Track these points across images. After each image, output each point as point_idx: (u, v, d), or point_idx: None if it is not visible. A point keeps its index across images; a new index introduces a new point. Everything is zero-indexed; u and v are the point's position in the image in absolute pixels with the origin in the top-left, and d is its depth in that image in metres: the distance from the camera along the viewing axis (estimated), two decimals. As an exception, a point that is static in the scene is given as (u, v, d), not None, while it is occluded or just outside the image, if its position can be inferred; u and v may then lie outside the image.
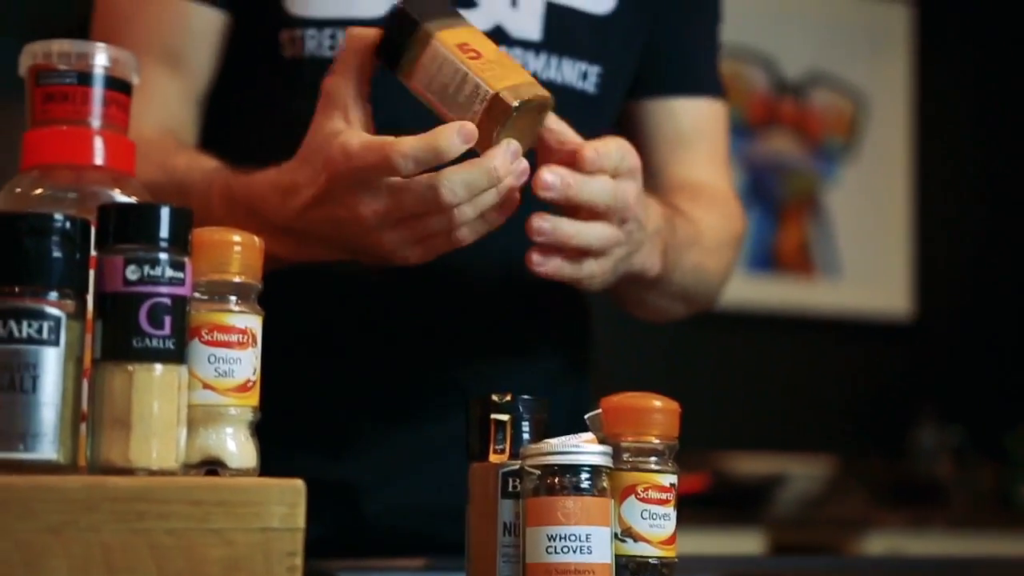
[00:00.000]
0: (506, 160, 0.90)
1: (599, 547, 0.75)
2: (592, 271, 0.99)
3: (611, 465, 0.77)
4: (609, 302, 1.19)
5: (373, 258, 0.97)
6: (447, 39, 0.89)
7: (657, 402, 0.80)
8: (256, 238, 0.77)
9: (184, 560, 0.67)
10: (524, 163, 0.92)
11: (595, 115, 1.20)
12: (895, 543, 2.95)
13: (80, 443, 0.71)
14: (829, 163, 3.63)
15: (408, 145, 0.89)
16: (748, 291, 3.45)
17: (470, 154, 0.91)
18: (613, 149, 0.97)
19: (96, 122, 0.84)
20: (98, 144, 0.83)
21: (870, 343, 3.64)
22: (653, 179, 1.24)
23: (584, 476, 0.76)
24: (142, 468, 0.69)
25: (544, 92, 0.92)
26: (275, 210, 0.96)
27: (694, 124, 1.25)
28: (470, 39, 0.90)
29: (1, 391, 0.67)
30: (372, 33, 0.94)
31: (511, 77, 0.90)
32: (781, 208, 3.58)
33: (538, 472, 0.76)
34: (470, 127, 0.89)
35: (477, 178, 0.90)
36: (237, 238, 0.76)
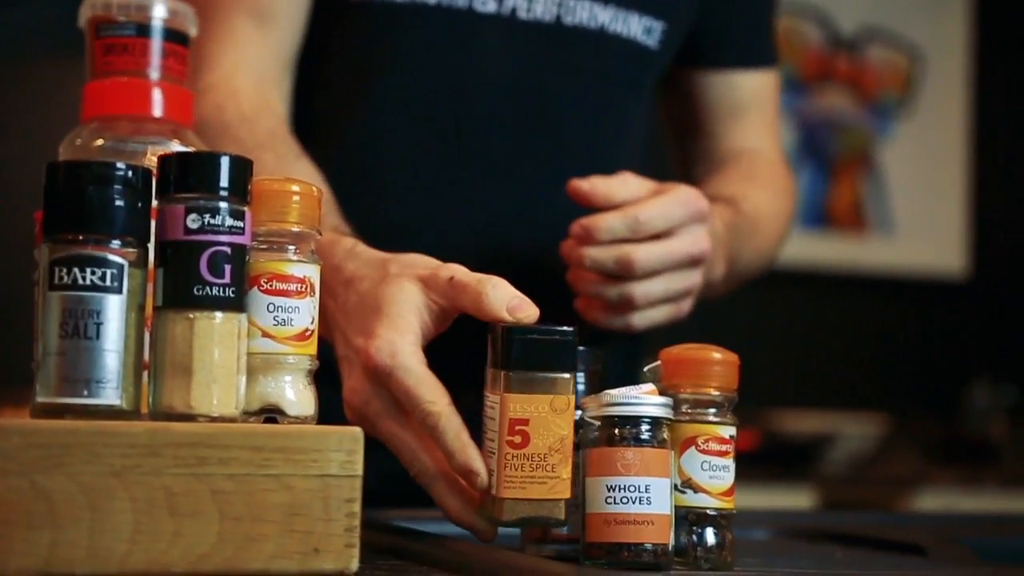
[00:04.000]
0: None
1: (658, 498, 0.75)
2: (681, 311, 1.03)
3: (672, 417, 0.77)
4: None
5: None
6: (512, 406, 0.76)
7: (716, 354, 0.80)
8: (315, 188, 0.77)
9: (245, 505, 0.68)
10: None
11: (651, 70, 1.20)
12: (946, 502, 2.94)
13: (142, 391, 0.72)
14: (884, 119, 3.59)
15: (443, 425, 0.79)
16: (800, 249, 3.42)
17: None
18: (657, 213, 0.97)
19: (155, 74, 0.85)
20: (157, 95, 0.84)
21: (923, 301, 3.61)
22: (708, 144, 1.26)
23: (644, 428, 0.76)
24: (203, 414, 0.70)
25: (555, 516, 0.78)
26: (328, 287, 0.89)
27: (752, 94, 1.27)
28: (535, 415, 0.76)
29: (65, 337, 0.68)
30: (493, 308, 0.80)
31: (530, 488, 0.77)
32: (834, 165, 3.55)
33: (599, 423, 0.76)
34: (478, 480, 0.78)
35: None
36: (296, 188, 0.76)
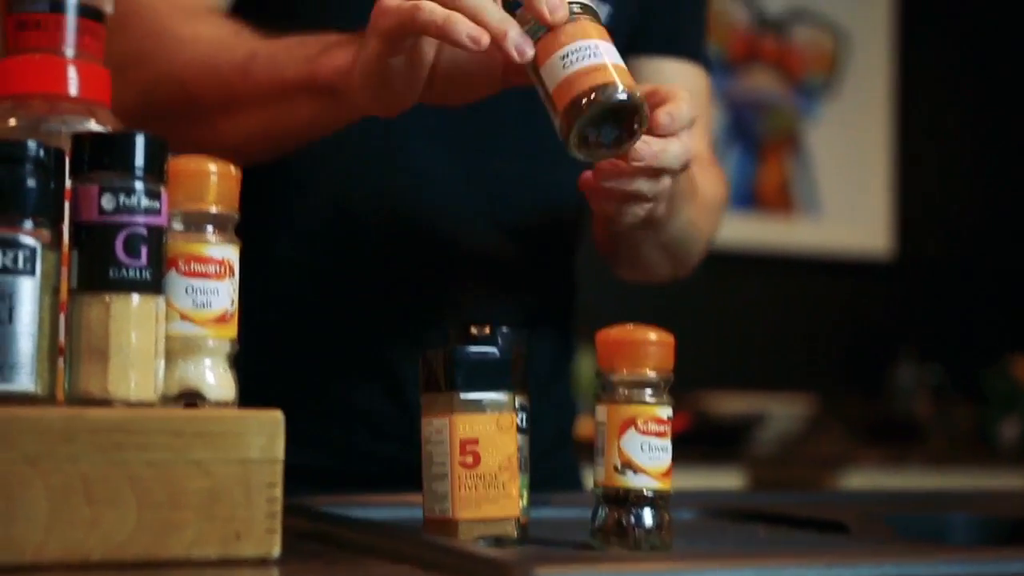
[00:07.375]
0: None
1: (606, 51, 0.84)
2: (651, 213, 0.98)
3: None
4: (592, 242, 1.20)
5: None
6: (462, 427, 0.78)
7: (652, 335, 0.80)
8: (233, 168, 0.76)
9: (164, 491, 0.67)
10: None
11: None
12: (873, 480, 2.97)
13: (58, 376, 0.70)
14: (809, 100, 3.62)
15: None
16: (728, 230, 3.41)
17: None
18: (685, 111, 0.93)
19: (70, 51, 0.83)
20: (72, 73, 0.82)
21: (850, 282, 3.65)
22: None
23: (575, 7, 0.85)
24: (120, 399, 0.69)
25: (508, 534, 0.79)
26: None
27: (693, 90, 1.27)
28: (484, 434, 0.78)
29: (-24, 321, 0.67)
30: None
31: (485, 508, 0.78)
32: (761, 146, 3.58)
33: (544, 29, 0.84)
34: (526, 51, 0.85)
35: None
36: (213, 167, 0.75)
